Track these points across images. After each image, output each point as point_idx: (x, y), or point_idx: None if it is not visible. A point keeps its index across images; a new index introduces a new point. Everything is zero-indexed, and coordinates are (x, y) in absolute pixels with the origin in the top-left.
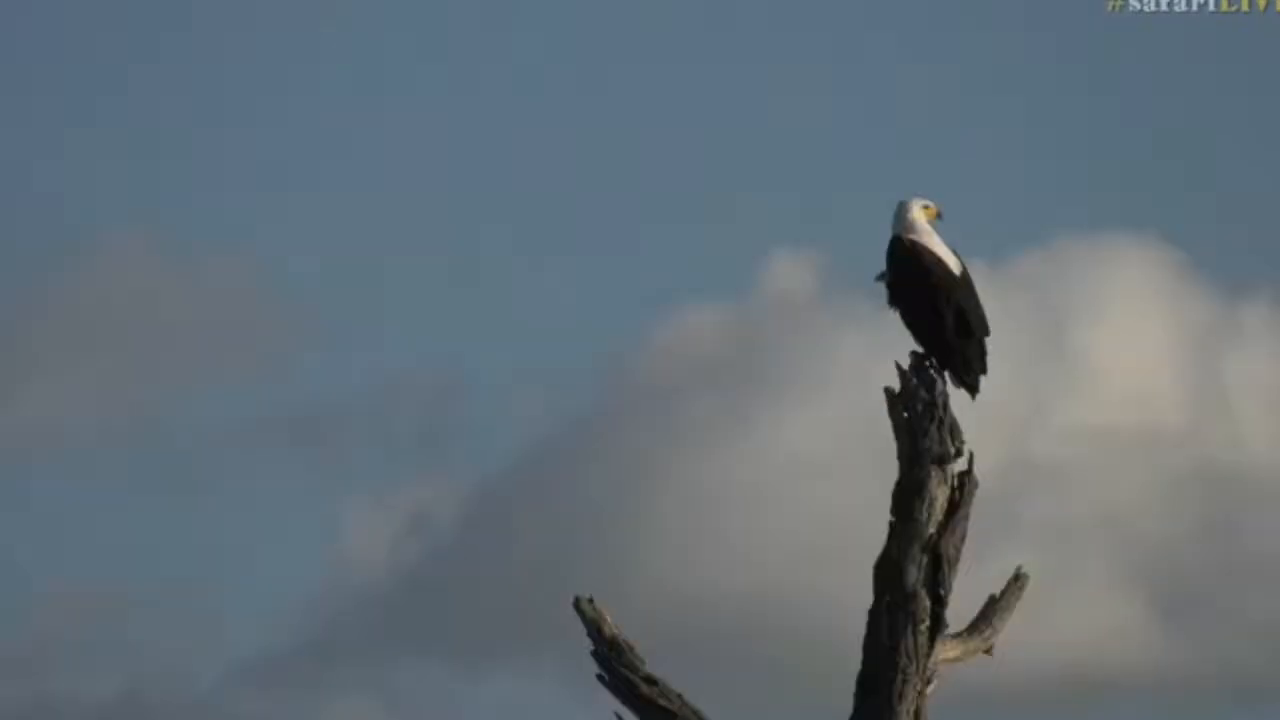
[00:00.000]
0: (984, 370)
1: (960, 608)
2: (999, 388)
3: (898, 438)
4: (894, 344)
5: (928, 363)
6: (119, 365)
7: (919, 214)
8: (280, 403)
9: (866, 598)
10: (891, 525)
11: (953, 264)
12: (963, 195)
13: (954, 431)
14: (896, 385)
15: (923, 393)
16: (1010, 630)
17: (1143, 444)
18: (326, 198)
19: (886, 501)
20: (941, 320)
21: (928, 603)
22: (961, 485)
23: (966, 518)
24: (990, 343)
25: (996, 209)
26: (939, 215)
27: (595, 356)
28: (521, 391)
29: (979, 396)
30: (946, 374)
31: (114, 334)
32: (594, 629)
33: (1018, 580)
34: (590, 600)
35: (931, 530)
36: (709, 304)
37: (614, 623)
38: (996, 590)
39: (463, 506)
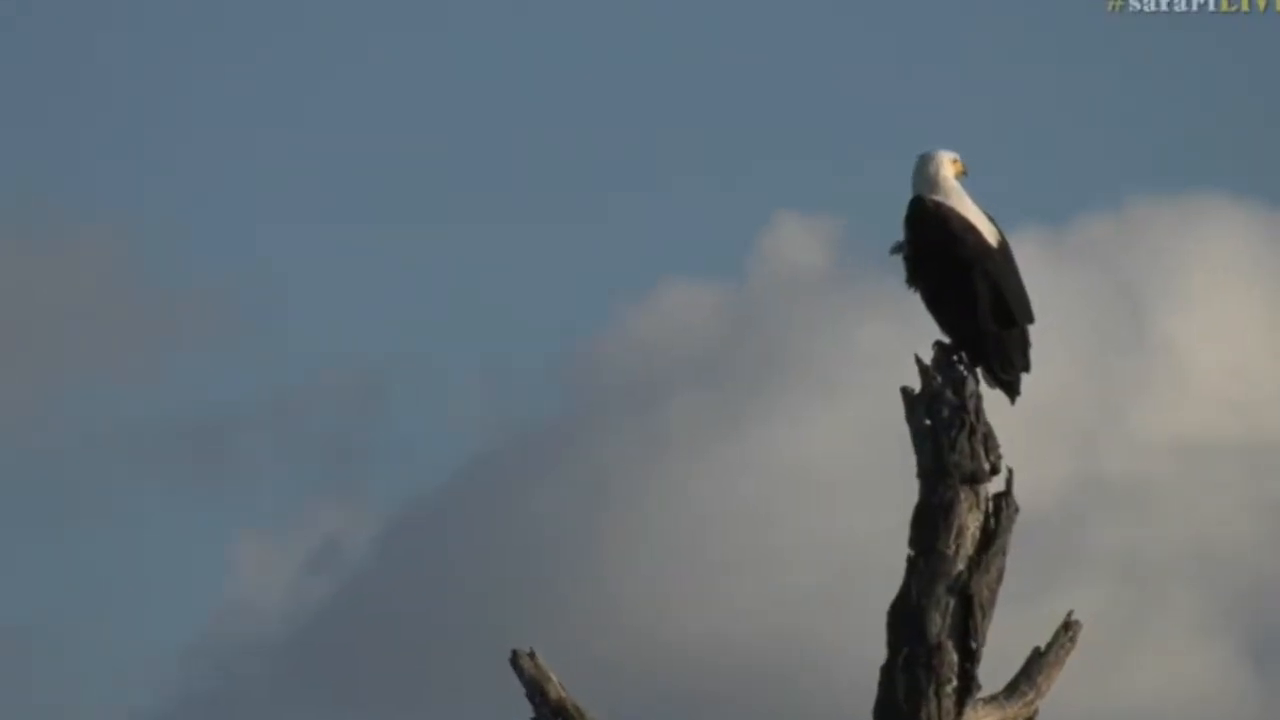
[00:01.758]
0: (1027, 367)
1: (997, 663)
2: (1058, 387)
3: (918, 450)
4: (918, 333)
5: (956, 356)
6: None
7: (948, 169)
8: (165, 408)
9: (879, 649)
10: (910, 559)
11: (988, 232)
12: (1006, 148)
13: (989, 443)
14: (916, 384)
15: (949, 394)
16: (1062, 691)
17: (1239, 457)
18: (227, 168)
19: (905, 530)
20: (973, 302)
21: (955, 657)
22: (998, 511)
23: (1004, 552)
24: (1040, 330)
25: (1053, 163)
26: (964, 172)
27: (553, 350)
28: (459, 394)
29: (1020, 400)
30: (979, 371)
31: None
32: (535, 691)
33: (1068, 629)
34: (531, 654)
35: (960, 567)
36: (696, 283)
37: (560, 683)
38: (1043, 641)
39: (383, 534)
